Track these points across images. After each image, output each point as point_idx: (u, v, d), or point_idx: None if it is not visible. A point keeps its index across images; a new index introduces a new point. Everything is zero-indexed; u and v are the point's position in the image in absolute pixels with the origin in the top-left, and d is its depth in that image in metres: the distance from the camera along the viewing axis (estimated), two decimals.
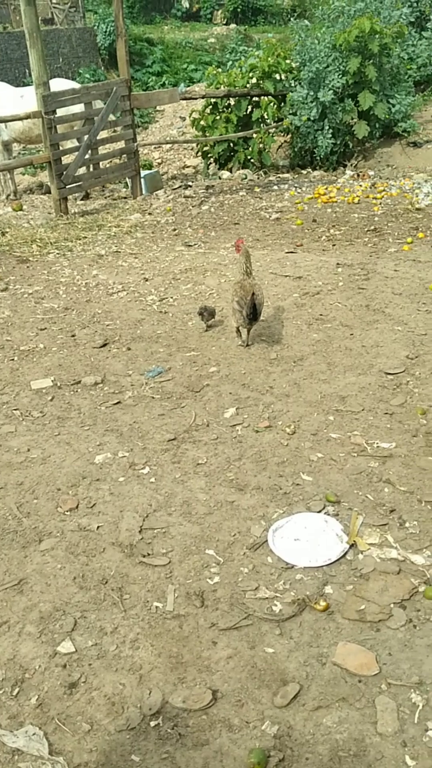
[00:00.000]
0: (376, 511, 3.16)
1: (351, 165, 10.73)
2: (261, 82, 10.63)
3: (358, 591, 2.72)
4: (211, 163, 11.20)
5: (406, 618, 2.58)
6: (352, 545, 2.96)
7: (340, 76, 10.10)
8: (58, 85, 9.39)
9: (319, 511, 3.18)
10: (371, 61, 10.18)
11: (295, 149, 11.03)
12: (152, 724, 2.23)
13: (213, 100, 10.89)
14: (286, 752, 2.13)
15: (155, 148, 13.07)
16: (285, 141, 11.58)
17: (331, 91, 9.99)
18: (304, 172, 10.85)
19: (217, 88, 10.75)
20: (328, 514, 3.16)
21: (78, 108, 8.71)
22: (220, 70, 11.92)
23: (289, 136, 11.14)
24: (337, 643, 2.48)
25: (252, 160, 10.92)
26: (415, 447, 3.61)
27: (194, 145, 11.66)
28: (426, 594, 2.68)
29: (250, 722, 2.22)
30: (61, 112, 8.47)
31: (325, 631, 2.55)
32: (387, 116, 10.51)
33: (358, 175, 10.13)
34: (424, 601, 2.65)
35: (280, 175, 10.58)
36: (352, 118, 10.40)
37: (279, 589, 2.75)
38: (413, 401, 4.04)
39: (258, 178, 10.42)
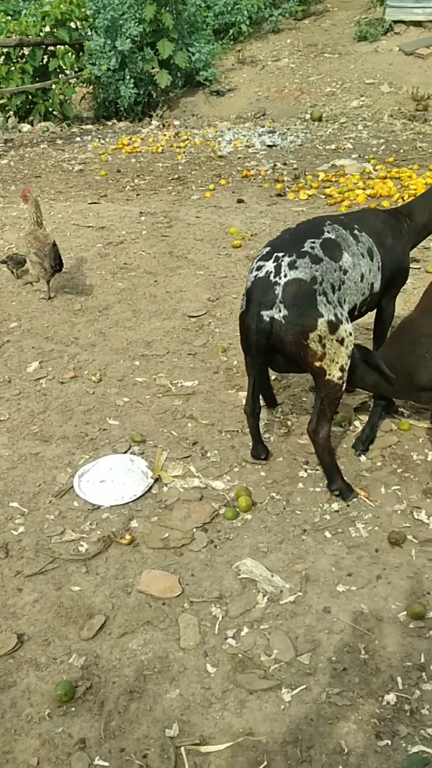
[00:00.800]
0: (180, 445, 3.27)
1: (156, 115, 10.68)
2: (55, 30, 10.21)
3: (162, 521, 2.82)
4: (9, 116, 10.68)
5: (208, 539, 2.72)
6: (157, 479, 3.05)
7: (137, 23, 9.94)
8: None
9: (125, 452, 3.24)
10: (167, 8, 10.10)
11: (98, 100, 10.77)
12: None
13: (5, 50, 10.32)
14: (93, 680, 2.19)
15: None
16: (88, 92, 11.27)
17: (129, 40, 9.82)
18: (110, 123, 10.65)
19: (8, 38, 10.19)
20: (134, 454, 3.22)
21: None
22: (10, 17, 11.29)
23: (92, 87, 10.86)
24: (142, 572, 2.57)
25: (54, 112, 10.54)
26: (217, 383, 3.75)
27: None
28: (226, 515, 2.83)
29: (57, 658, 2.26)
30: None
31: (130, 562, 2.63)
32: (188, 65, 10.52)
33: (164, 125, 10.11)
34: (224, 522, 2.80)
35: (84, 127, 10.32)
36: (153, 68, 10.31)
37: (85, 530, 2.79)
38: (214, 341, 4.18)
39: (61, 131, 10.11)
